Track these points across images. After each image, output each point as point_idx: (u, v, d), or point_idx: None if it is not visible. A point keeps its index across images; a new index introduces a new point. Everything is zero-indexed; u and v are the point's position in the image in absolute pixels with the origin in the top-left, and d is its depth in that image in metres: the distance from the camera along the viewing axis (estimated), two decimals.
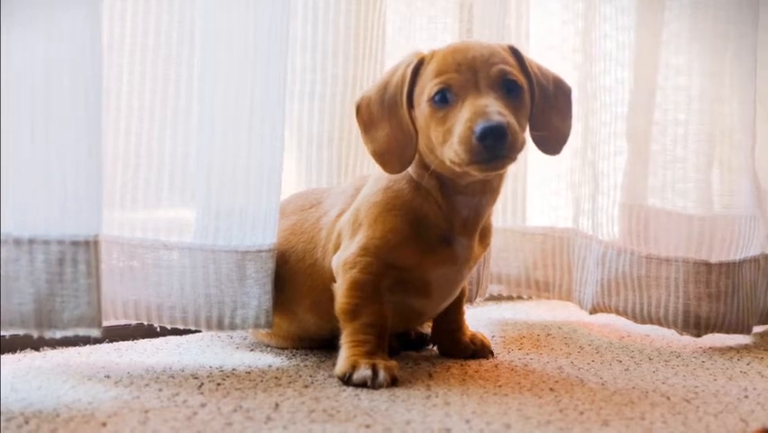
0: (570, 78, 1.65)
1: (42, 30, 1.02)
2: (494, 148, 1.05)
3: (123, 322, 1.30)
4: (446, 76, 1.10)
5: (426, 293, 1.20)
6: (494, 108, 1.06)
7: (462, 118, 1.07)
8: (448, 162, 1.10)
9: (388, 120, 1.16)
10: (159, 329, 1.31)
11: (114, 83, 1.21)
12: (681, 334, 1.47)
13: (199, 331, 1.36)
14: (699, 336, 1.46)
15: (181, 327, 1.23)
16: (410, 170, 1.18)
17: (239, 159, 1.20)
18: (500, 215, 1.67)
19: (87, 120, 1.05)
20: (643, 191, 1.52)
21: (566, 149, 1.64)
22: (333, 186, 1.42)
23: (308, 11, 1.43)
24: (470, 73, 1.10)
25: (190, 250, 1.21)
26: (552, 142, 1.20)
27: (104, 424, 0.92)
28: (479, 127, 1.04)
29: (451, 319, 1.30)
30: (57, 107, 1.03)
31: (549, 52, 1.73)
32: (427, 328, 1.37)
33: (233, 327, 1.21)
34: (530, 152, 1.70)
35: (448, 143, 1.08)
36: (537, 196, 1.77)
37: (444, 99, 1.10)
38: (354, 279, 1.16)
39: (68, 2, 1.03)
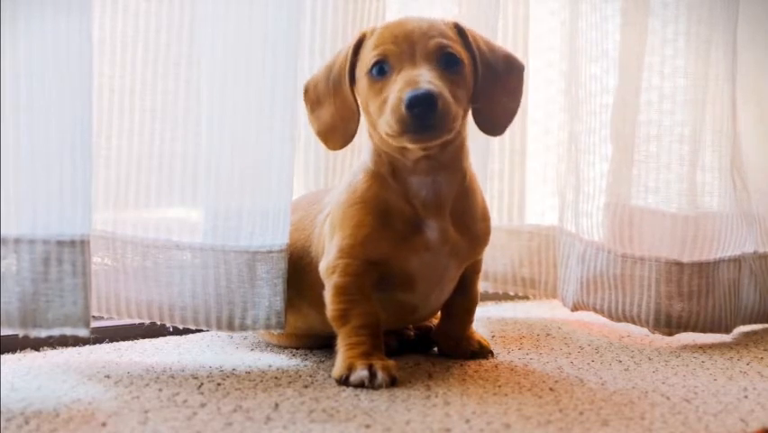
0: (562, 80, 1.66)
1: (31, 31, 1.02)
2: (423, 117, 1.05)
3: (128, 321, 1.30)
4: (383, 47, 1.12)
5: (411, 285, 1.19)
6: (425, 78, 1.07)
7: (395, 88, 1.08)
8: (384, 135, 1.11)
9: (332, 98, 1.18)
10: (159, 329, 1.32)
11: (128, 82, 1.21)
12: (653, 332, 1.48)
13: (202, 330, 1.36)
14: (670, 334, 1.47)
15: (193, 328, 1.24)
16: (368, 159, 1.19)
17: (248, 159, 1.21)
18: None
19: (76, 122, 1.04)
20: (624, 191, 1.53)
21: (560, 148, 1.66)
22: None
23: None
24: (406, 45, 1.11)
25: (202, 250, 1.21)
26: (496, 120, 1.20)
27: (104, 424, 0.92)
28: (407, 95, 1.05)
29: (456, 327, 1.30)
30: (44, 109, 1.03)
31: (549, 53, 1.73)
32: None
33: (243, 327, 1.22)
34: (528, 152, 1.73)
35: (383, 115, 1.09)
36: (537, 197, 1.77)
37: (382, 71, 1.12)
38: (337, 284, 1.16)
39: (59, 6, 1.02)
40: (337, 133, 1.19)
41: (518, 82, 1.22)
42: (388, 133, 1.09)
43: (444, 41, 1.12)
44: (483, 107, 1.18)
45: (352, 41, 1.18)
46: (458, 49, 1.13)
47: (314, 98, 1.21)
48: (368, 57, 1.13)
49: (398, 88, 1.07)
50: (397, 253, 1.16)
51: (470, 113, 1.19)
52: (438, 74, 1.10)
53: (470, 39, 1.17)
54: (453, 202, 1.19)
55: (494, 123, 1.20)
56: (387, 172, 1.17)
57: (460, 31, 1.17)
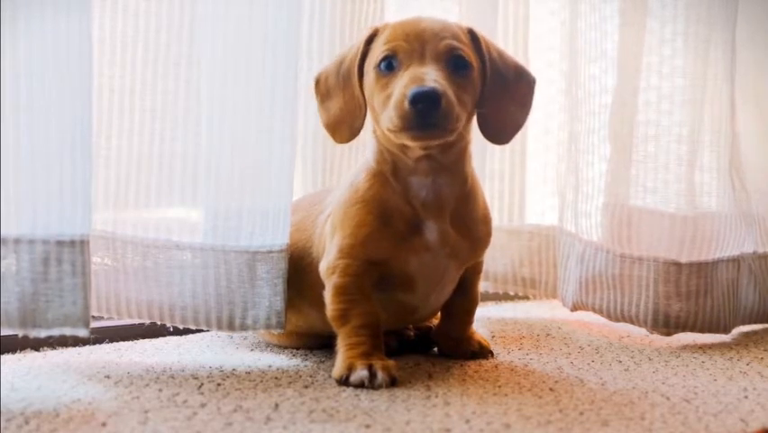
0: (562, 80, 1.66)
1: (31, 31, 1.02)
2: (425, 114, 1.05)
3: (129, 321, 1.30)
4: (394, 43, 1.12)
5: (411, 286, 1.19)
6: (431, 76, 1.07)
7: (400, 84, 1.08)
8: (386, 131, 1.11)
9: (342, 91, 1.19)
10: (159, 329, 1.32)
11: (128, 82, 1.21)
12: (651, 332, 1.49)
13: (202, 331, 1.36)
14: (669, 334, 1.48)
15: (193, 328, 1.24)
16: (371, 158, 1.19)
17: (248, 159, 1.21)
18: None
19: (76, 122, 1.04)
20: (623, 191, 1.53)
21: (560, 148, 1.66)
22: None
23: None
24: (417, 43, 1.11)
25: (202, 250, 1.21)
26: (501, 128, 1.20)
27: (104, 424, 0.92)
28: (411, 91, 1.05)
29: (456, 327, 1.30)
30: (44, 109, 1.03)
31: (549, 53, 1.73)
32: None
33: (243, 327, 1.22)
34: (528, 152, 1.73)
35: (386, 110, 1.09)
36: (537, 196, 1.77)
37: (390, 66, 1.12)
38: (337, 284, 1.16)
39: (59, 6, 1.02)
40: (344, 127, 1.19)
41: (528, 94, 1.22)
42: (389, 128, 1.09)
43: (455, 44, 1.12)
44: (489, 114, 1.18)
45: (364, 34, 1.19)
46: (468, 53, 1.13)
47: (324, 91, 1.21)
48: (378, 51, 1.14)
49: (403, 84, 1.08)
50: (396, 253, 1.16)
51: (475, 119, 1.19)
52: (445, 75, 1.10)
53: (483, 45, 1.17)
54: (454, 205, 1.19)
55: (498, 131, 1.20)
56: (388, 171, 1.17)
57: (473, 36, 1.17)
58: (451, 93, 1.08)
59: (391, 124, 1.08)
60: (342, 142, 1.22)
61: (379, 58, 1.13)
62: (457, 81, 1.11)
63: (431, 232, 1.17)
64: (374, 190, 1.17)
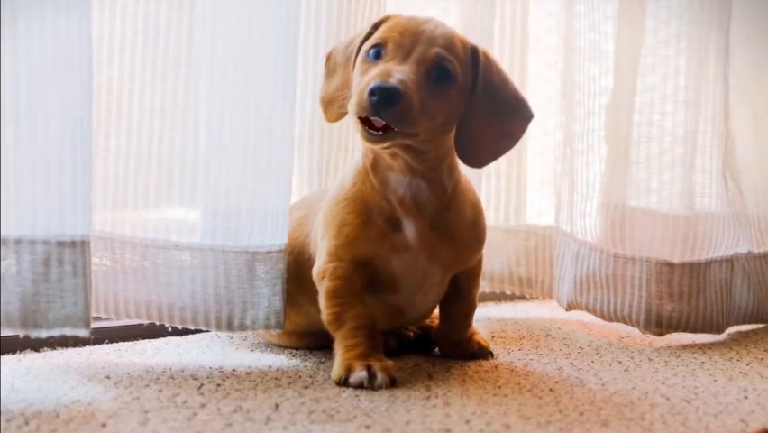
0: (556, 82, 1.66)
1: (31, 31, 1.02)
2: (378, 108, 1.04)
3: (129, 322, 1.30)
4: (388, 34, 1.12)
5: (395, 287, 1.19)
6: (399, 76, 1.06)
7: (370, 74, 1.08)
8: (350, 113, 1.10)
9: (342, 70, 1.19)
10: (159, 330, 1.32)
11: (127, 82, 1.21)
12: (644, 333, 1.49)
13: (201, 331, 1.36)
14: (661, 334, 1.48)
15: (192, 328, 1.24)
16: (360, 154, 1.19)
17: (247, 159, 1.21)
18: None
19: (76, 122, 1.04)
20: (619, 192, 1.54)
21: (557, 148, 1.66)
22: None
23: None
24: (409, 41, 1.10)
25: (201, 250, 1.21)
26: (476, 152, 1.17)
27: (104, 424, 0.92)
28: (373, 83, 1.04)
29: (455, 330, 1.30)
30: (44, 109, 1.02)
31: (547, 54, 1.73)
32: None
33: (242, 327, 1.22)
34: (527, 152, 1.73)
35: (353, 96, 1.09)
36: (535, 196, 1.77)
37: (378, 55, 1.11)
38: (328, 288, 1.16)
39: (59, 6, 1.02)
40: (334, 105, 1.19)
41: (518, 127, 1.18)
42: (351, 111, 1.08)
43: (444, 54, 1.10)
44: (466, 134, 1.15)
45: (376, 19, 1.19)
46: (455, 67, 1.11)
47: (331, 66, 1.22)
48: (373, 38, 1.13)
49: (373, 75, 1.07)
50: (378, 251, 1.16)
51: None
52: (419, 79, 1.08)
53: (482, 66, 1.14)
54: (435, 212, 1.17)
55: (472, 153, 1.17)
56: (369, 165, 1.17)
57: (474, 54, 1.15)
58: (415, 97, 1.06)
59: (350, 108, 1.08)
60: (329, 120, 1.21)
61: (371, 44, 1.12)
62: (434, 91, 1.09)
63: (409, 231, 1.16)
64: (357, 188, 1.18)
